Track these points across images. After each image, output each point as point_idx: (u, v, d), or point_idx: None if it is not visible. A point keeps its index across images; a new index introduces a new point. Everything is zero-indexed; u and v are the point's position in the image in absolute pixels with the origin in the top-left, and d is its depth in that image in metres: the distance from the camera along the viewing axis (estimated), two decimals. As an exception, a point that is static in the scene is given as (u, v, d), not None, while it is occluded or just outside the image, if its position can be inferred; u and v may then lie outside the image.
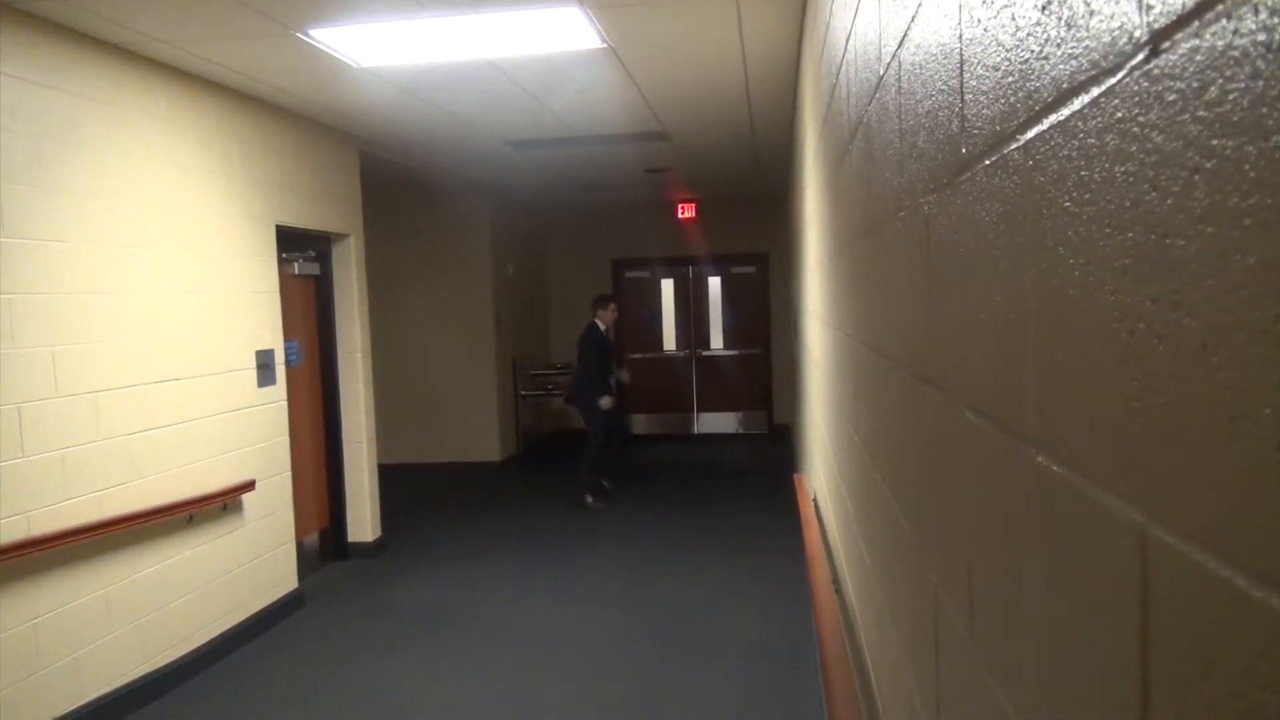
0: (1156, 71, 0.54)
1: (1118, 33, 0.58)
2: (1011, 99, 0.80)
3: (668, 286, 11.33)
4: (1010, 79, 0.80)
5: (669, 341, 11.37)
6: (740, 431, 11.26)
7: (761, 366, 11.19)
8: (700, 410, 11.36)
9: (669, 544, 6.52)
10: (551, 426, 11.31)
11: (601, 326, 8.01)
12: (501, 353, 9.73)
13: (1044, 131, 0.72)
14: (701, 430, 11.33)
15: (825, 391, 3.51)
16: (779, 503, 7.31)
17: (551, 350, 11.37)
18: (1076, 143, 0.66)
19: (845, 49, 2.11)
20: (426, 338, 9.57)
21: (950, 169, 1.04)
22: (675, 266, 11.29)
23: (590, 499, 7.71)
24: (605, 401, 7.78)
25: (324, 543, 6.30)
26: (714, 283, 11.26)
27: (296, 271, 5.94)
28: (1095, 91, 0.62)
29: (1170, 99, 0.52)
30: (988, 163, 0.88)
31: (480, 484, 8.86)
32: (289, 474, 5.43)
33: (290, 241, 5.72)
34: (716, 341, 11.29)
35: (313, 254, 6.09)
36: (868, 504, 1.99)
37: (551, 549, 6.50)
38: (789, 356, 9.81)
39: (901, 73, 1.32)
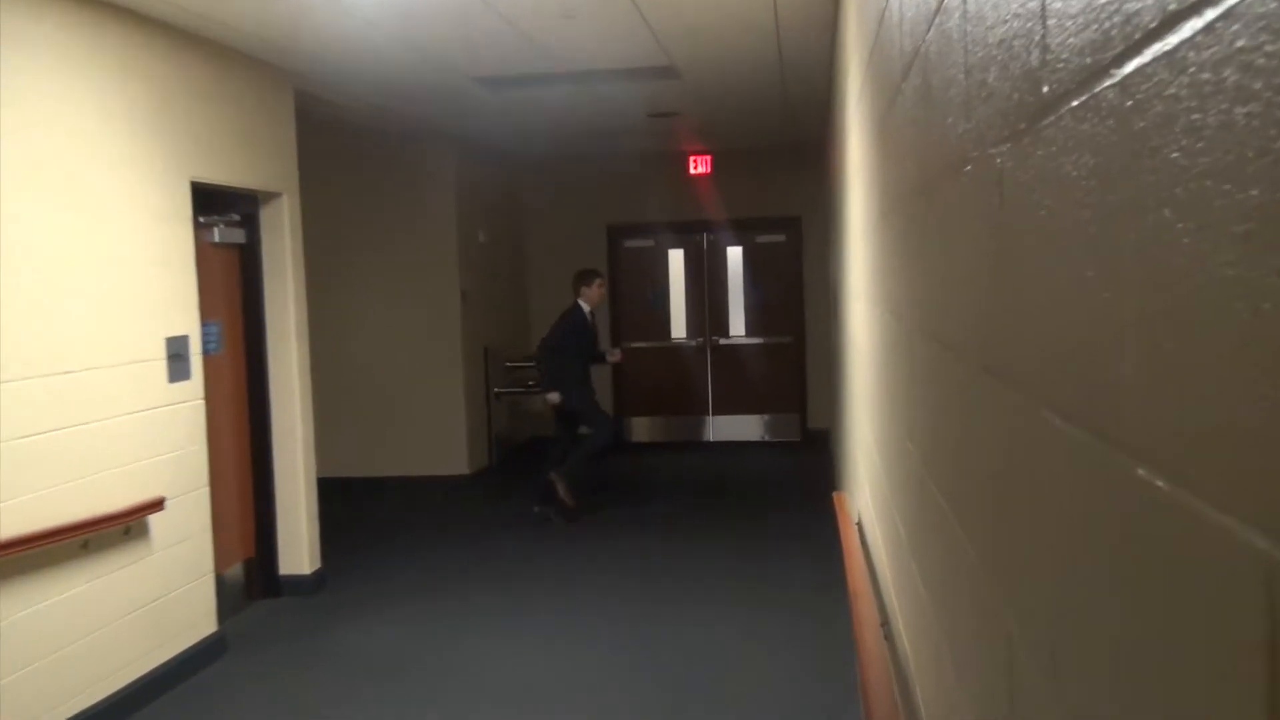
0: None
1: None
2: (1106, 24, 0.79)
3: (676, 259, 11.37)
4: (1105, -2, 0.79)
5: (677, 327, 11.41)
6: (766, 439, 11.32)
7: (793, 359, 11.24)
8: (716, 413, 11.41)
9: (677, 577, 6.54)
10: (531, 431, 11.36)
11: (586, 308, 8.05)
12: (470, 340, 9.76)
13: (1146, 65, 0.72)
14: (717, 437, 11.39)
15: (872, 390, 3.53)
16: (814, 527, 7.34)
17: (532, 337, 11.38)
18: (1187, 78, 0.65)
19: (898, -38, 2.13)
20: (377, 322, 9.60)
21: (1028, 112, 1.04)
22: (686, 234, 11.33)
23: (561, 490, 7.82)
24: (614, 356, 8.23)
25: (250, 576, 6.32)
26: (733, 254, 11.29)
27: (217, 239, 5.94)
28: (1211, 14, 0.62)
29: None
30: (1075, 104, 0.88)
31: (444, 503, 8.91)
32: (206, 490, 5.45)
33: (209, 202, 5.72)
34: (737, 327, 11.33)
35: (236, 218, 6.10)
36: (925, 528, 2.00)
37: (532, 583, 6.53)
38: (827, 346, 9.84)
39: (968, -9, 1.32)
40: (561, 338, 7.95)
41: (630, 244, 11.38)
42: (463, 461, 9.63)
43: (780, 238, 11.23)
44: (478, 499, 9.03)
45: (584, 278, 8.10)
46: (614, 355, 8.47)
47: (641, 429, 11.34)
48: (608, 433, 8.00)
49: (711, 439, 11.39)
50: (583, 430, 8.16)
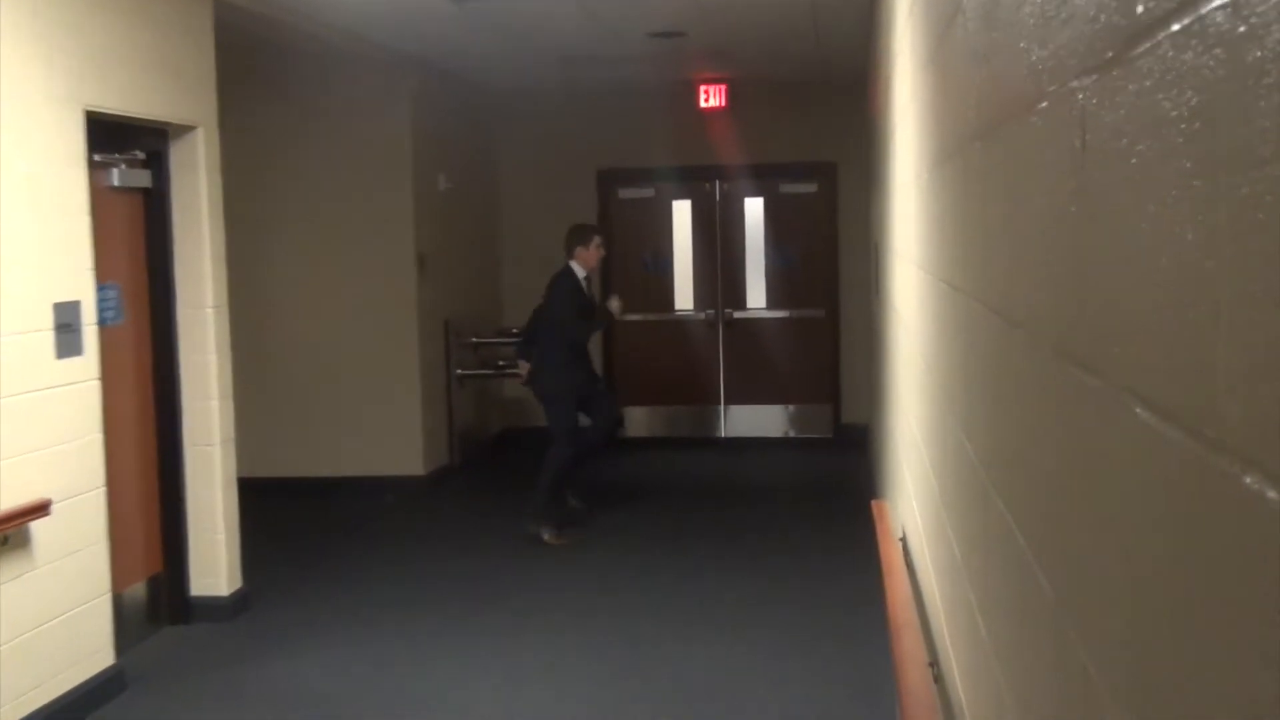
0: None
1: None
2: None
3: (681, 212, 11.39)
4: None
5: (682, 297, 11.43)
6: (790, 435, 11.36)
7: (824, 337, 11.27)
8: (730, 402, 11.44)
9: (679, 603, 6.57)
10: (503, 423, 11.37)
11: (580, 273, 8.02)
12: (428, 311, 9.76)
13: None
14: (732, 432, 11.43)
15: (921, 376, 3.56)
16: (848, 543, 7.37)
17: (504, 308, 11.40)
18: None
19: None
20: (315, 288, 9.59)
21: (1119, 37, 1.04)
22: (694, 181, 11.33)
23: (546, 534, 7.78)
24: (615, 305, 8.31)
25: (155, 597, 6.34)
26: (753, 207, 11.31)
27: (116, 182, 5.92)
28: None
29: None
30: (1176, 28, 0.88)
31: (396, 511, 8.94)
32: (102, 492, 5.44)
33: (107, 136, 5.69)
34: (755, 298, 11.36)
35: (140, 156, 6.08)
36: (985, 547, 2.00)
37: (503, 608, 6.56)
38: (867, 321, 9.84)
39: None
40: (568, 310, 7.86)
41: (626, 194, 11.38)
42: (417, 460, 9.64)
43: (810, 188, 11.23)
44: (435, 506, 9.05)
45: (579, 235, 8.06)
46: (614, 304, 8.37)
47: (638, 422, 11.35)
48: (566, 450, 7.91)
49: (723, 434, 11.44)
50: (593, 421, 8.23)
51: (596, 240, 8.04)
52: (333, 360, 9.62)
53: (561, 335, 7.91)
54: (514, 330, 10.72)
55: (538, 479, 7.96)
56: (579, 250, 8.00)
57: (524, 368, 8.28)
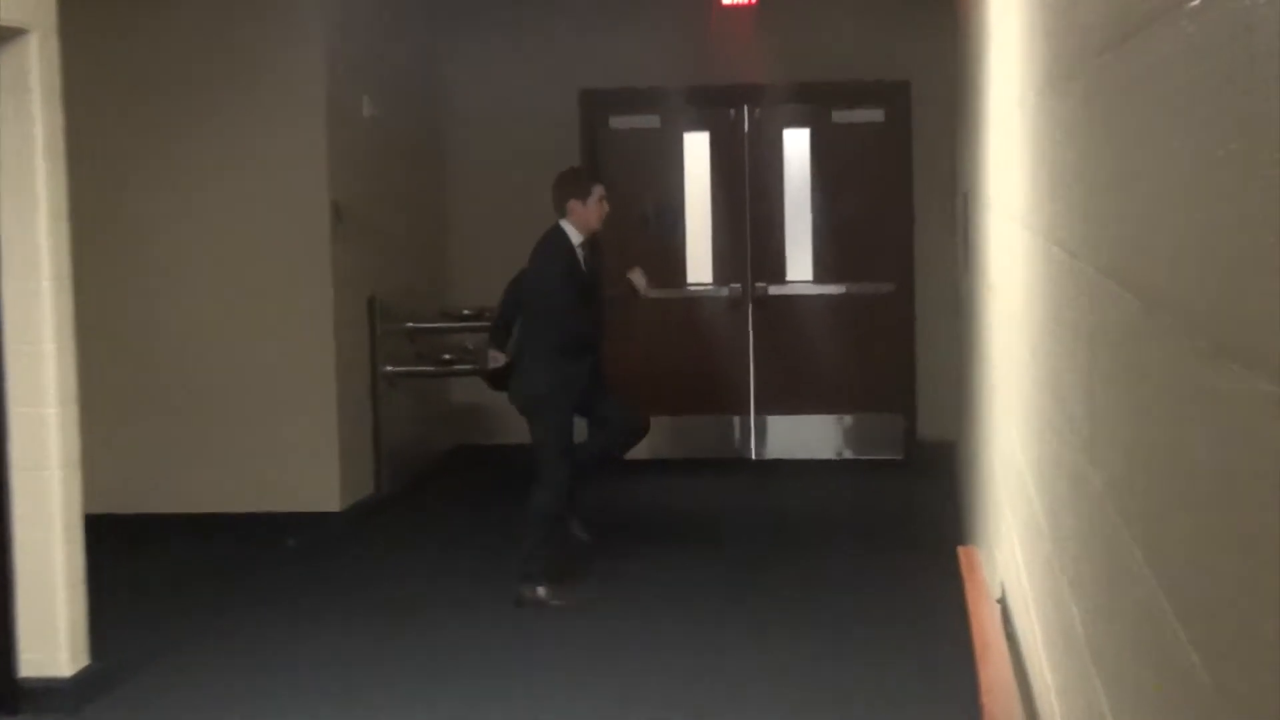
0: None
1: None
2: None
3: (696, 149, 11.38)
4: None
5: (697, 268, 11.45)
6: (847, 456, 11.38)
7: (895, 321, 11.30)
8: (763, 411, 11.48)
9: (697, 688, 6.56)
10: (452, 439, 11.38)
11: (574, 236, 7.92)
12: (346, 284, 9.72)
13: None
14: (766, 453, 11.47)
15: (1025, 376, 3.56)
16: (924, 606, 7.35)
17: (452, 282, 11.41)
18: None
19: None
20: (193, 254, 9.56)
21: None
22: (713, 107, 11.32)
23: (541, 590, 7.70)
24: (639, 280, 8.31)
25: (-28, 680, 6.31)
26: (795, 143, 11.31)
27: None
28: None
29: None
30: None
31: (302, 559, 8.93)
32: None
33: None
34: (799, 268, 11.38)
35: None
36: (1116, 616, 1.99)
37: (449, 692, 6.56)
38: (953, 300, 9.83)
39: None
40: (556, 285, 7.78)
41: (620, 123, 11.39)
42: (330, 489, 9.61)
43: (874, 115, 11.24)
44: (356, 552, 9.06)
45: (573, 185, 7.93)
46: (637, 279, 8.34)
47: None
48: (559, 477, 7.81)
49: (754, 455, 11.47)
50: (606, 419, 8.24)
51: (598, 192, 7.90)
52: (218, 354, 9.58)
53: (549, 322, 7.75)
54: (465, 312, 10.73)
55: (524, 531, 7.87)
56: (573, 206, 7.84)
57: (495, 358, 8.19)
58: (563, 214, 7.89)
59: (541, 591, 7.72)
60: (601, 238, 8.17)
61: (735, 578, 8.30)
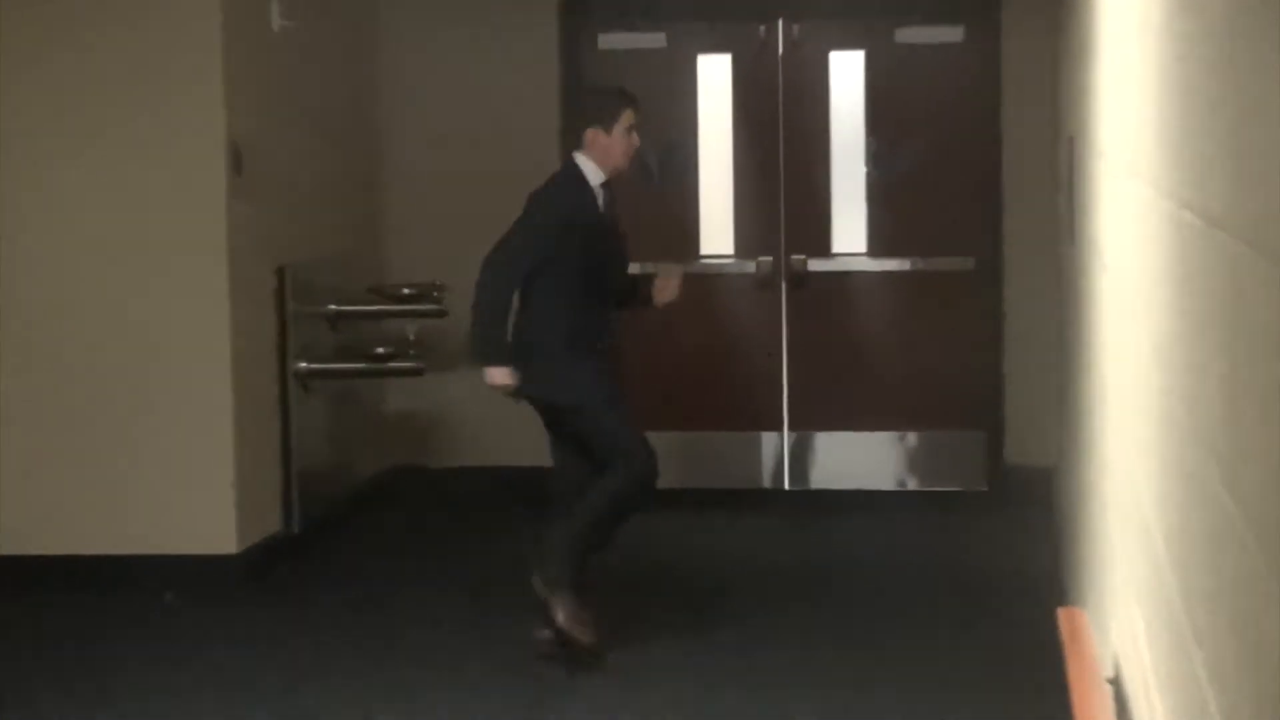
0: None
1: None
2: None
3: (715, 76, 11.42)
4: None
5: (715, 234, 11.50)
6: (911, 486, 11.47)
7: (975, 309, 11.36)
8: (800, 425, 11.53)
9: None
10: (388, 458, 11.44)
11: (593, 175, 8.07)
12: (248, 252, 9.62)
13: None
14: (804, 480, 11.53)
15: (1147, 382, 3.64)
16: (1011, 685, 7.41)
17: (388, 250, 11.46)
18: None
19: None
20: (44, 210, 9.46)
21: None
22: (737, 21, 11.38)
23: (561, 613, 7.78)
24: (673, 281, 8.30)
25: None
26: (846, 69, 11.36)
27: None
28: None
29: None
30: None
31: (185, 619, 8.97)
32: None
33: None
34: (849, 236, 11.46)
35: None
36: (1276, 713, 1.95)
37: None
38: (1055, 282, 9.94)
39: None
40: (537, 241, 7.89)
41: (612, 42, 11.42)
42: (224, 527, 9.53)
43: (951, 34, 11.33)
44: (255, 611, 9.11)
45: (599, 108, 8.12)
46: (670, 276, 8.40)
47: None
48: (638, 472, 7.91)
49: (788, 484, 11.51)
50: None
51: (626, 119, 8.01)
52: (70, 344, 9.51)
53: (544, 295, 7.94)
54: (405, 290, 10.67)
55: (571, 517, 7.99)
56: (594, 136, 7.99)
57: (503, 376, 8.07)
58: (580, 144, 8.04)
59: (560, 612, 7.76)
60: (620, 183, 8.31)
61: (763, 653, 8.31)
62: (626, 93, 8.32)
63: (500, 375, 8.00)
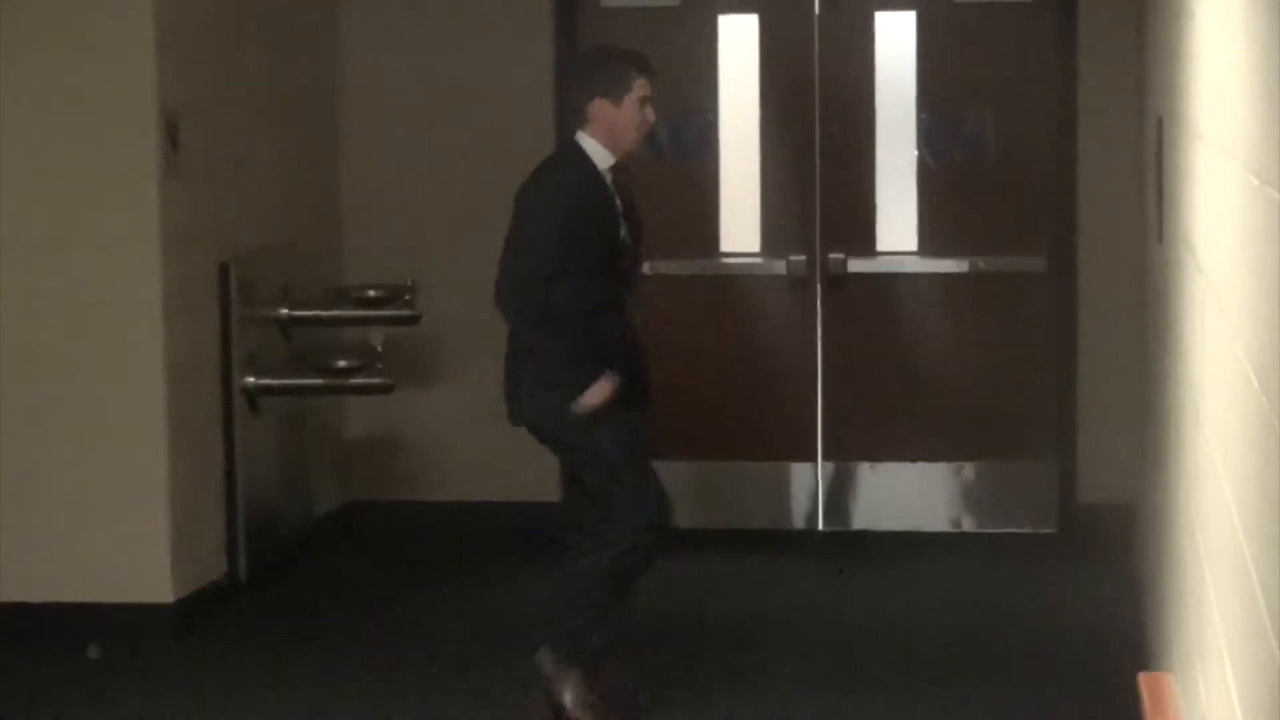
0: None
1: None
2: None
3: (738, 39, 11.48)
4: None
5: (738, 229, 11.54)
6: (970, 528, 11.47)
7: (1045, 318, 11.38)
8: (836, 455, 11.55)
9: None
10: (343, 494, 11.46)
11: (601, 157, 7.92)
12: (185, 245, 9.70)
13: None
14: (841, 519, 11.54)
15: (1251, 414, 3.56)
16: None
17: (350, 244, 11.50)
18: None
19: None
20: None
21: None
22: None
23: (569, 696, 7.79)
24: (600, 390, 7.92)
25: None
26: (893, 34, 11.39)
27: None
28: None
29: None
30: None
31: (113, 676, 8.99)
32: None
33: None
34: (896, 231, 11.50)
35: None
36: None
37: None
38: (1139, 289, 9.88)
39: None
40: (545, 247, 7.82)
41: (617, 0, 11.43)
42: (158, 571, 9.59)
43: (1021, -3, 11.30)
44: (192, 668, 9.11)
45: (600, 72, 8.05)
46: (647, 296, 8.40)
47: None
48: (639, 522, 7.84)
49: (824, 525, 11.52)
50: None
51: (641, 86, 7.93)
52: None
53: (568, 293, 7.84)
54: (371, 293, 10.73)
55: (560, 584, 8.02)
56: (599, 109, 7.92)
57: (604, 387, 7.90)
58: (585, 120, 7.97)
59: (567, 695, 7.77)
60: (630, 164, 8.25)
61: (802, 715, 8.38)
62: (639, 57, 8.20)
63: (602, 388, 7.86)
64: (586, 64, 8.13)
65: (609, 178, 7.95)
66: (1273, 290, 3.13)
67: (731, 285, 11.46)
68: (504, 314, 8.01)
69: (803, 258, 11.41)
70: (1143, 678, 6.00)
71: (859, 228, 11.42)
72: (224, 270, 10.11)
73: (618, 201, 8.03)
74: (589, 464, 8.02)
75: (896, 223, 11.42)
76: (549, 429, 8.03)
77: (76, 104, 9.53)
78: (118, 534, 9.58)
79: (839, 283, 11.41)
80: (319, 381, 10.63)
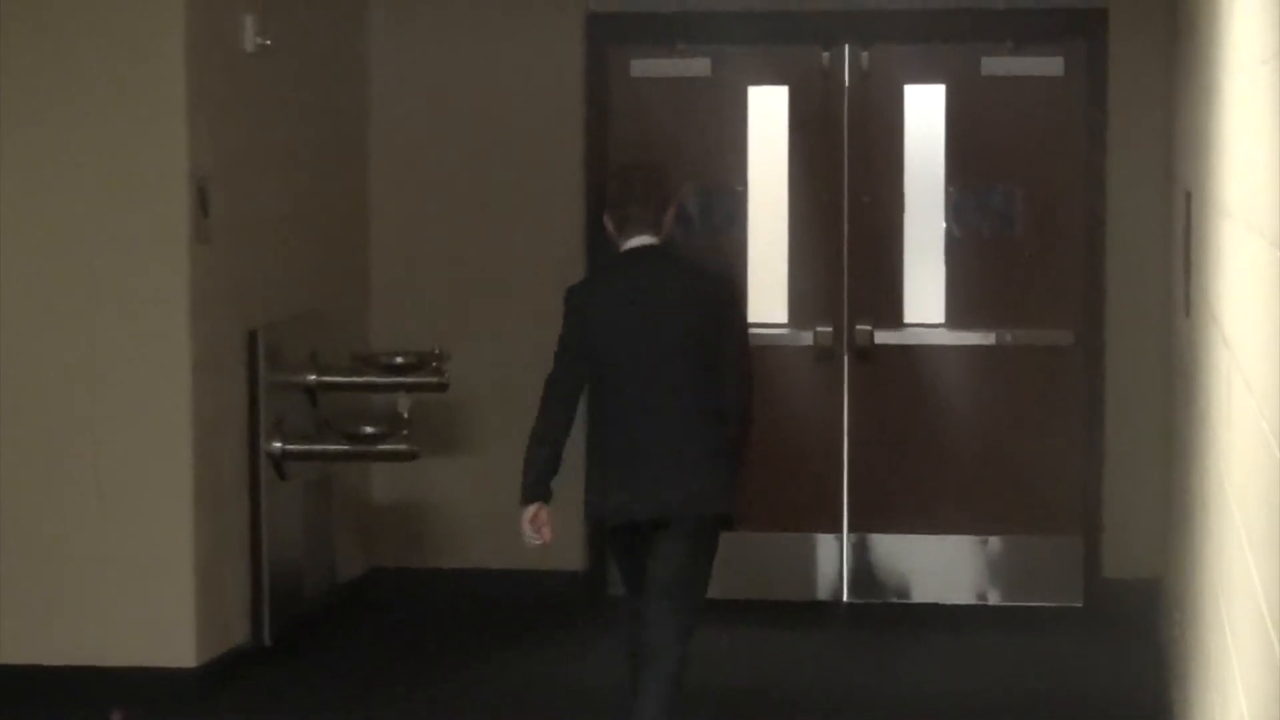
0: None
1: None
2: None
3: (768, 109, 11.45)
4: None
5: (766, 299, 11.49)
6: (995, 600, 11.41)
7: (1073, 393, 11.34)
8: (864, 525, 11.51)
9: None
10: (383, 557, 11.42)
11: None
12: (212, 309, 9.67)
13: None
14: (871, 593, 11.49)
15: (1275, 487, 3.54)
16: None
17: (377, 311, 11.47)
18: None
19: None
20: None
21: None
22: (793, 46, 11.43)
23: None
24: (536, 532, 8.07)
25: None
26: (923, 104, 11.39)
27: None
28: None
29: None
30: None
31: None
32: None
33: None
34: (924, 304, 11.47)
35: None
36: None
37: None
38: (1167, 363, 9.84)
39: None
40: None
41: (647, 69, 11.45)
42: (181, 636, 9.54)
43: (1050, 65, 11.31)
44: None
45: (670, 183, 8.36)
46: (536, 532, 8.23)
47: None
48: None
49: (848, 597, 11.49)
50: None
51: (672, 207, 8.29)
52: (8, 417, 9.56)
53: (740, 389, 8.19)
54: (398, 359, 10.68)
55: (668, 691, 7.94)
56: (670, 214, 8.24)
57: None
58: (656, 228, 8.14)
59: None
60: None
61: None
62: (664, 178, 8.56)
63: None
64: (661, 177, 8.31)
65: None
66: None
67: (759, 356, 11.26)
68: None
69: (830, 329, 11.38)
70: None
71: (887, 299, 11.41)
72: (252, 335, 10.10)
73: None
74: (709, 566, 8.16)
75: (924, 294, 11.39)
76: (713, 523, 8.15)
77: (107, 167, 9.50)
78: (141, 597, 9.54)
79: (866, 354, 11.38)
80: (345, 447, 10.60)
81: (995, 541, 11.39)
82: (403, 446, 10.26)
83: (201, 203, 9.58)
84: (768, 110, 11.45)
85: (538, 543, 8.07)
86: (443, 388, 10.37)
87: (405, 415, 10.33)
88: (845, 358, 11.43)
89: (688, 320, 8.11)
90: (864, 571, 11.50)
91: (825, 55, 11.35)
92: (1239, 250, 4.91)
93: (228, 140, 9.88)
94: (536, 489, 7.98)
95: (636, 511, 8.00)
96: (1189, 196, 7.73)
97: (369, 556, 11.43)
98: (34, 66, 9.51)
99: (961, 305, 11.39)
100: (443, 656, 10.13)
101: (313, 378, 10.58)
